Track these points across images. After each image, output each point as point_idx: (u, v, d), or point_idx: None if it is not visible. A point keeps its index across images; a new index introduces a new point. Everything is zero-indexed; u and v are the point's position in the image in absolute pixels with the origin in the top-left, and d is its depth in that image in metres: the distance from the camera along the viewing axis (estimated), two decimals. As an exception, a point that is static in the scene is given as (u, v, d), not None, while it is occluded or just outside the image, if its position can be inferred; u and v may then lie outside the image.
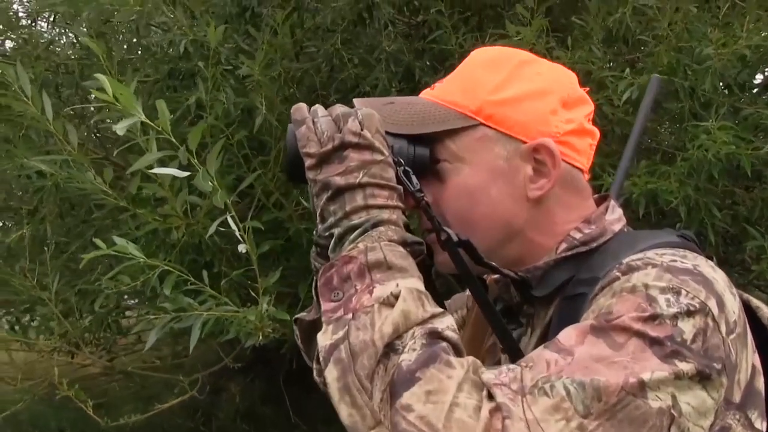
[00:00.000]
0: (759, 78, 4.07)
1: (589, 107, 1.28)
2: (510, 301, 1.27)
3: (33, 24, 4.83)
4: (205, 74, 3.42)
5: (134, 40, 4.55)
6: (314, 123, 1.14)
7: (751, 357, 1.06)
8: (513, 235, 1.23)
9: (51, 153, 3.13)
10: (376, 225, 1.08)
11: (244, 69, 3.50)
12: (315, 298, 1.28)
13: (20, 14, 4.79)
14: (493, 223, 1.22)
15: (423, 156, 1.21)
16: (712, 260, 1.12)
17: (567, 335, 1.00)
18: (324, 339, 0.99)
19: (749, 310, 1.15)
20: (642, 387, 0.93)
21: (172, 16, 3.58)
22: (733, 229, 3.76)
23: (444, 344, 0.97)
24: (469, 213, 1.21)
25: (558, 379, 0.93)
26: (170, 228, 3.20)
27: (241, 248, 2.27)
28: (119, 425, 3.68)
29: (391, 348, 0.96)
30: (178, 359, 5.78)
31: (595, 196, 1.30)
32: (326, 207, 1.11)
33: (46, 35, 4.68)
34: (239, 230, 2.20)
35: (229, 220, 2.17)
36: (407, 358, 0.94)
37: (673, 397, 0.94)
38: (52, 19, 4.68)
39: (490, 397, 0.93)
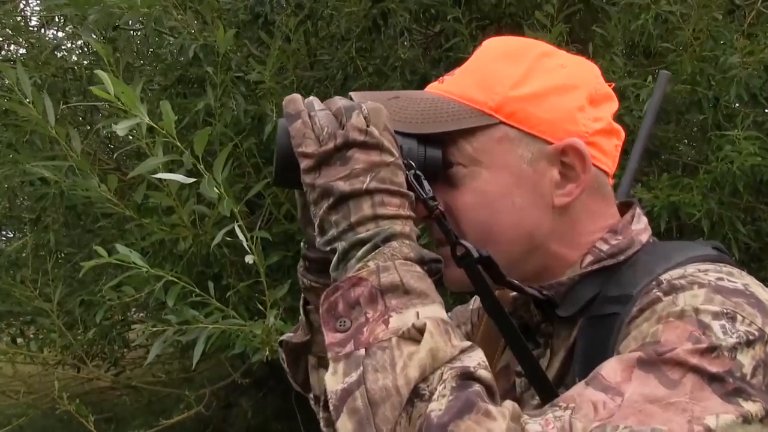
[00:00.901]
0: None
1: (615, 104, 1.16)
2: (529, 320, 1.15)
3: (42, 29, 4.80)
4: (215, 80, 3.35)
5: (143, 46, 4.52)
6: (311, 117, 0.99)
7: None
8: (535, 247, 1.10)
9: (55, 159, 3.06)
10: (387, 239, 0.93)
11: (254, 75, 3.44)
12: (304, 318, 1.18)
13: (29, 19, 4.78)
14: (515, 234, 1.08)
15: (435, 159, 1.07)
16: None
17: (611, 369, 0.87)
18: (334, 382, 0.85)
19: None
20: None
21: (181, 18, 3.52)
22: (755, 245, 3.65)
23: (478, 388, 0.82)
24: (489, 224, 1.08)
25: (613, 429, 0.81)
26: (177, 238, 3.13)
27: (248, 259, 2.20)
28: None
29: (415, 393, 0.82)
30: (188, 373, 5.71)
31: (617, 202, 1.18)
32: (327, 217, 0.96)
33: (53, 40, 4.65)
34: (246, 240, 2.12)
35: (237, 229, 2.09)
36: (437, 407, 0.80)
37: None
38: (59, 22, 4.65)
39: None
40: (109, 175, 2.69)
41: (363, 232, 0.94)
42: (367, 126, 0.97)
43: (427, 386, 0.82)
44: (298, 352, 1.20)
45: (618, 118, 1.20)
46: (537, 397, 1.06)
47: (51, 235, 3.97)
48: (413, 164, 1.02)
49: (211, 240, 2.88)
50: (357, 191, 0.94)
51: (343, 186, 0.94)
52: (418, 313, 0.87)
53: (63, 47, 4.67)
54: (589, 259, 1.09)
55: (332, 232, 0.95)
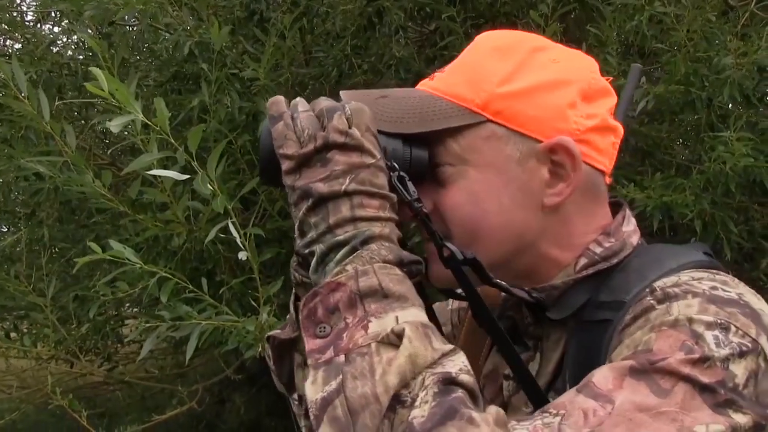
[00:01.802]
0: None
1: (613, 99, 1.13)
2: (519, 320, 1.14)
3: (38, 24, 4.79)
4: (210, 77, 3.35)
5: (138, 42, 4.51)
6: (293, 119, 0.99)
7: None
8: (524, 247, 1.09)
9: (50, 155, 3.06)
10: (365, 242, 0.92)
11: (249, 72, 3.43)
12: (294, 314, 1.16)
13: (25, 14, 4.77)
14: (503, 235, 1.07)
15: (421, 159, 1.06)
16: None
17: (603, 377, 0.87)
18: (313, 391, 0.83)
19: None
20: None
21: (177, 14, 3.51)
22: (748, 245, 3.66)
23: (460, 393, 0.81)
24: (476, 223, 1.06)
25: None
26: (171, 234, 3.12)
27: (242, 255, 2.20)
28: (118, 436, 3.61)
29: (396, 400, 0.80)
30: (181, 369, 5.70)
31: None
32: (306, 218, 0.96)
33: (49, 35, 4.64)
34: (240, 237, 2.12)
35: (230, 225, 2.09)
36: (419, 414, 0.79)
37: None
38: (55, 18, 4.65)
39: None
40: (104, 171, 2.68)
41: (341, 234, 0.93)
42: (349, 127, 0.96)
43: (409, 392, 0.81)
44: (284, 348, 1.19)
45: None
46: (527, 401, 1.05)
47: (45, 230, 3.96)
48: (396, 166, 1.01)
49: (205, 236, 2.88)
50: (336, 193, 0.94)
51: (322, 188, 0.94)
52: (397, 318, 0.86)
53: (59, 43, 4.66)
54: (583, 262, 1.08)
55: (311, 234, 0.95)
